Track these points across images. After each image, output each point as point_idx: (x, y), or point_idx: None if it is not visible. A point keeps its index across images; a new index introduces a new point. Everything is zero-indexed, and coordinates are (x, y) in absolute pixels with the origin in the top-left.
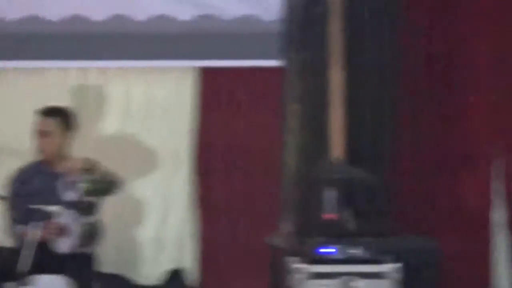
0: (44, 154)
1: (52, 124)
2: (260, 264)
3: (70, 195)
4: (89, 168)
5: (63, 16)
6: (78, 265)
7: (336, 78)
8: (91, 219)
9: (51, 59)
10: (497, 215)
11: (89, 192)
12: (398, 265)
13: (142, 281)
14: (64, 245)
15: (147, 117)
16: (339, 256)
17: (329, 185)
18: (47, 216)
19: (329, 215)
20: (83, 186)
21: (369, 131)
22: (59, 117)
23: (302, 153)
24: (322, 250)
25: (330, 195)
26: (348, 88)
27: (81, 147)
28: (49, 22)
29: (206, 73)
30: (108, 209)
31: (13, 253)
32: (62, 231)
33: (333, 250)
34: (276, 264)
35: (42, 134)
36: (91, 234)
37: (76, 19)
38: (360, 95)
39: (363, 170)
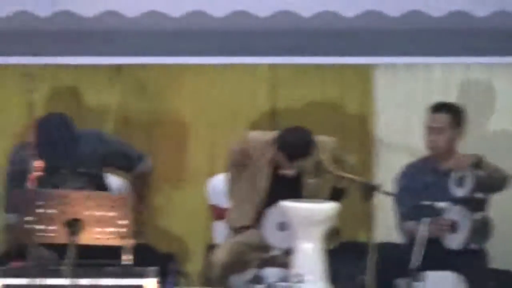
0: (434, 150)
1: (443, 120)
2: None
3: (459, 191)
4: (478, 164)
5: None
6: (468, 261)
7: None
8: (480, 215)
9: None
10: None
11: (478, 188)
12: None
13: None
14: (454, 241)
15: None
16: None
17: None
18: (436, 212)
19: None
20: (472, 182)
21: None
22: (450, 113)
23: None
24: None
25: None
26: None
27: (468, 143)
28: None
29: None
30: (498, 205)
31: (403, 249)
32: (452, 227)
33: None
34: None
35: (433, 130)
36: (481, 230)
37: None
38: None
39: None
